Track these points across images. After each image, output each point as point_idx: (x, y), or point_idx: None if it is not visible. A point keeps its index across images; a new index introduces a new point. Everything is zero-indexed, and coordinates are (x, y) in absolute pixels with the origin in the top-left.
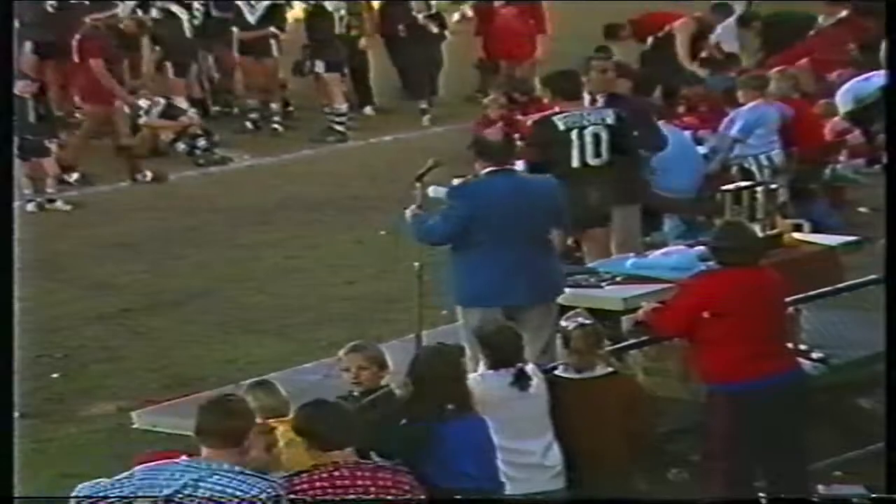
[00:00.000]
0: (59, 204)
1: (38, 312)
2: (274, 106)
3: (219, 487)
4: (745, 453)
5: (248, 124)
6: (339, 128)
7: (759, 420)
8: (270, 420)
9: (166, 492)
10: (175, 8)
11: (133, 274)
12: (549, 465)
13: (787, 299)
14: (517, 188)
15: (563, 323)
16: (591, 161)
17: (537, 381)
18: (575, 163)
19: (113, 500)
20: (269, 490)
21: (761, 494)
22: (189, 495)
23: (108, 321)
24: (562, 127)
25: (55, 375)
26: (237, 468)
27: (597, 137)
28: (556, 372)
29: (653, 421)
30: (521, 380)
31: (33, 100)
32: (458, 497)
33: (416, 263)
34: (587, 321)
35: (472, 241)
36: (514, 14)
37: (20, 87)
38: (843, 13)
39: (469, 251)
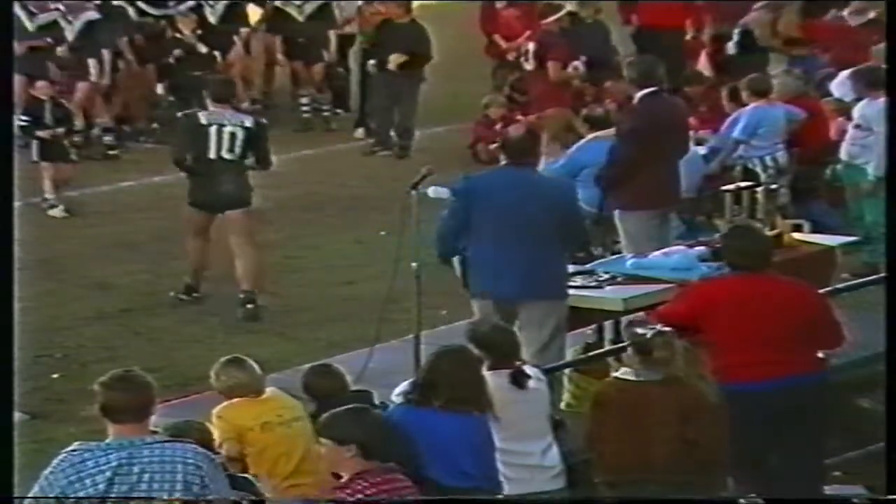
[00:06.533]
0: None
1: (38, 312)
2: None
3: (157, 458)
4: (746, 454)
5: None
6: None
7: (761, 422)
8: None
9: (101, 479)
10: None
11: (133, 274)
12: (549, 465)
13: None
14: (521, 183)
15: (637, 330)
16: (226, 155)
17: (537, 382)
18: (212, 154)
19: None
20: (201, 451)
21: (763, 495)
22: (126, 474)
23: (108, 321)
24: (204, 121)
25: (55, 375)
26: (158, 438)
27: (233, 136)
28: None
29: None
30: (519, 378)
31: (50, 102)
32: (458, 497)
33: (414, 264)
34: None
35: (475, 234)
36: (517, 15)
37: (38, 88)
38: (872, 14)
39: (474, 243)
